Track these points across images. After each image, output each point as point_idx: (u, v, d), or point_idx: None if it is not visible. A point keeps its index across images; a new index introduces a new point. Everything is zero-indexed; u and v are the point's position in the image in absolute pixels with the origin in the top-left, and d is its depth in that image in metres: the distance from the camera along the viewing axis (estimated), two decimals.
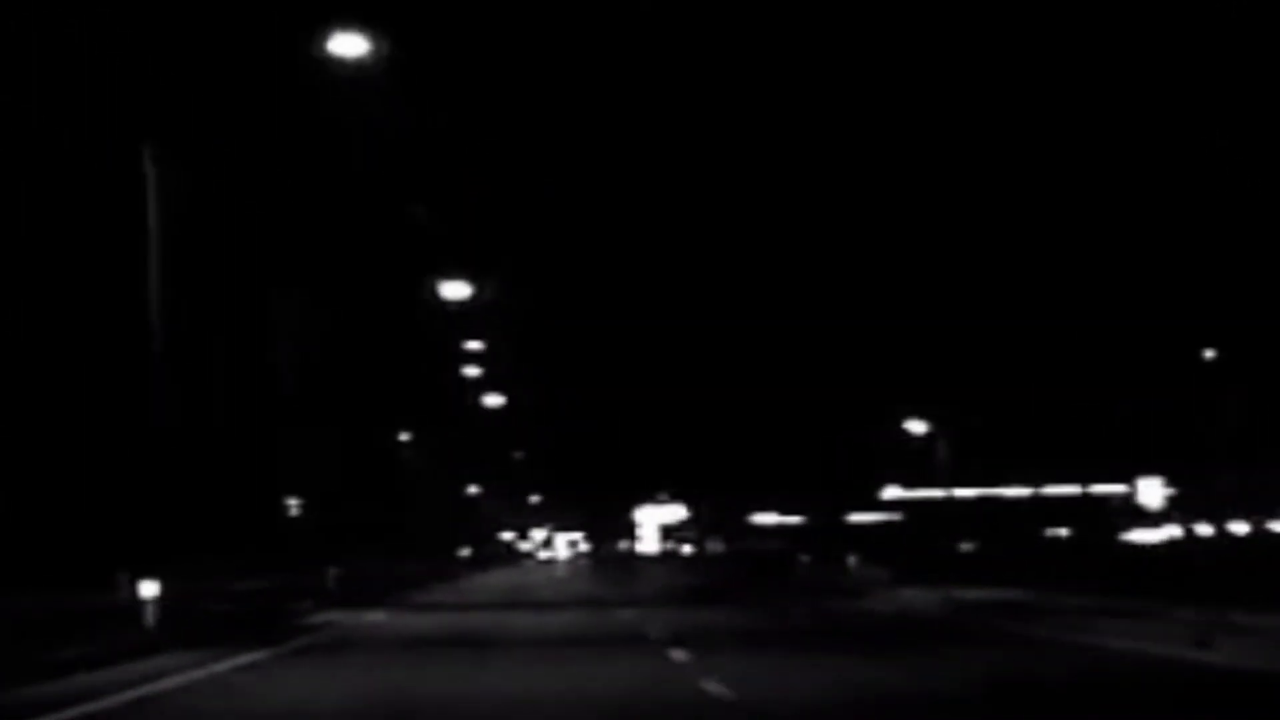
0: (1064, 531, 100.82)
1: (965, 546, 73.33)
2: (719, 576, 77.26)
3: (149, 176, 38.85)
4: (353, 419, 78.25)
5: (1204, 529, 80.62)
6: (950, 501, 79.58)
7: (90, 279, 45.76)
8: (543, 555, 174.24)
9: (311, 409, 67.50)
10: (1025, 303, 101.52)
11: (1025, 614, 36.81)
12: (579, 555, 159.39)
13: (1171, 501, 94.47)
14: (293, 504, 67.24)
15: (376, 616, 46.57)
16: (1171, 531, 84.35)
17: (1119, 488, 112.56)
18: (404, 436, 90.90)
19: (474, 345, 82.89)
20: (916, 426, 75.76)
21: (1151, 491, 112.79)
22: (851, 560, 65.29)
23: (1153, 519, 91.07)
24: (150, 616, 33.95)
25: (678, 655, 28.09)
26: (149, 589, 34.19)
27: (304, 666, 28.27)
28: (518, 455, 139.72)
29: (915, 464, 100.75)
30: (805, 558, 78.25)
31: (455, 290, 68.86)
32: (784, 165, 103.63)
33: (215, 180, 52.90)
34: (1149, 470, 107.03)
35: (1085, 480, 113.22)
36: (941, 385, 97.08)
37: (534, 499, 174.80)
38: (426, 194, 61.01)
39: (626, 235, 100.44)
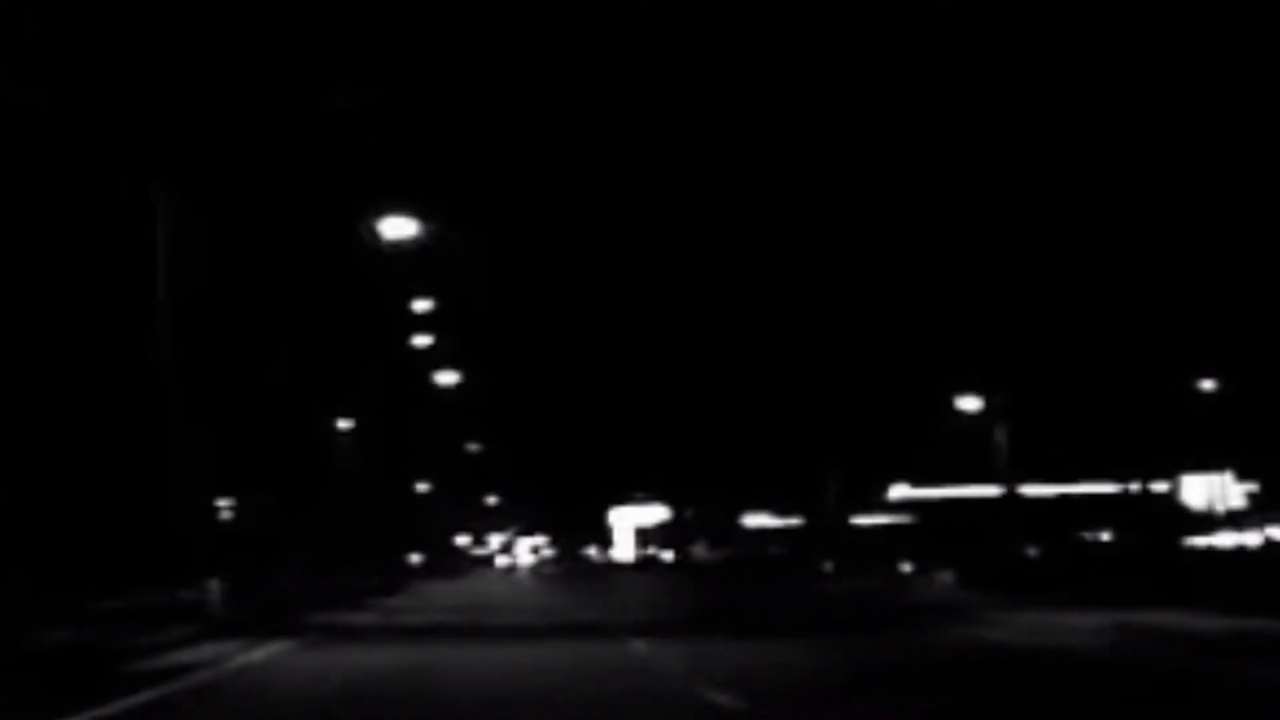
0: (1105, 535, 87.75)
1: (1031, 551, 59.08)
2: (725, 589, 62.60)
3: None
4: (277, 399, 64.58)
5: None
6: (1011, 498, 65.23)
7: None
8: (502, 562, 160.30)
9: (220, 388, 54.09)
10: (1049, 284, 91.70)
11: None
12: (543, 562, 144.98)
13: (1254, 499, 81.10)
14: (223, 504, 59.31)
15: (270, 652, 32.08)
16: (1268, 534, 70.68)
17: (1159, 485, 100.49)
18: (344, 424, 77.00)
19: (421, 306, 67.38)
20: (969, 404, 61.49)
21: (1195, 490, 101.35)
22: (908, 568, 51.18)
23: (1232, 521, 77.60)
24: None
25: None
26: None
27: None
28: (473, 447, 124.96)
29: (945, 455, 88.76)
30: (829, 565, 64.44)
31: (397, 228, 53.61)
32: (785, 134, 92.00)
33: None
34: (1205, 465, 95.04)
35: (1123, 477, 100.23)
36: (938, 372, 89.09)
37: (491, 499, 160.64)
38: (358, 83, 46.05)
39: (607, 191, 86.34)
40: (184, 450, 44.50)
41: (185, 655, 31.53)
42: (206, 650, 32.77)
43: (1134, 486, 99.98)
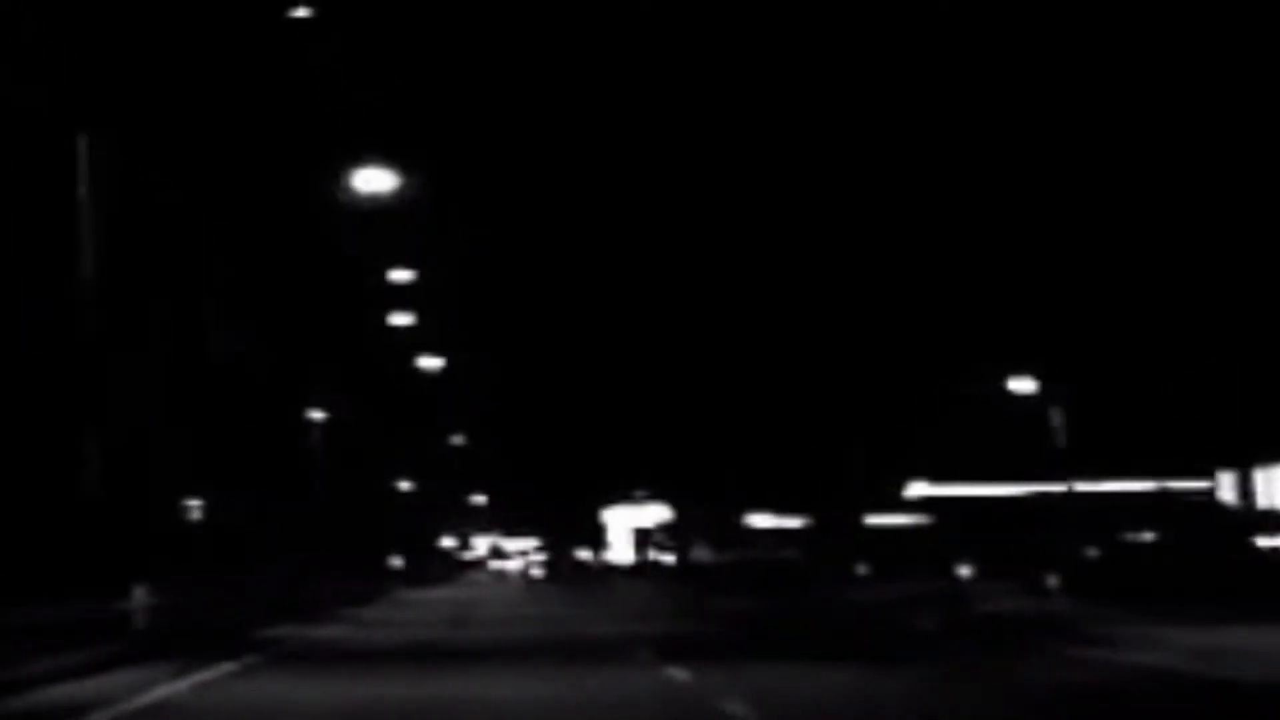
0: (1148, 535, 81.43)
1: (1092, 553, 52.26)
2: (747, 597, 55.59)
3: None
4: (250, 389, 58.58)
5: None
6: (1070, 495, 58.33)
7: None
8: (490, 566, 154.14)
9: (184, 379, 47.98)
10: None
11: None
12: (534, 566, 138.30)
13: None
14: (194, 504, 54.52)
15: (200, 682, 24.93)
16: None
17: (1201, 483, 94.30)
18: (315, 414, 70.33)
19: (401, 276, 59.97)
20: (1023, 385, 54.63)
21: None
22: (966, 572, 44.47)
23: None
24: None
25: None
26: None
27: None
28: (458, 440, 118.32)
29: (969, 450, 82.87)
30: (862, 568, 57.74)
31: (374, 180, 46.39)
32: (788, 110, 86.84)
33: None
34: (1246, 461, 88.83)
35: (1160, 474, 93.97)
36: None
37: (478, 498, 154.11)
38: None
39: (607, 164, 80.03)
40: (102, 440, 37.70)
41: (87, 686, 24.41)
42: (119, 678, 25.65)
43: (1212, 482, 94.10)
